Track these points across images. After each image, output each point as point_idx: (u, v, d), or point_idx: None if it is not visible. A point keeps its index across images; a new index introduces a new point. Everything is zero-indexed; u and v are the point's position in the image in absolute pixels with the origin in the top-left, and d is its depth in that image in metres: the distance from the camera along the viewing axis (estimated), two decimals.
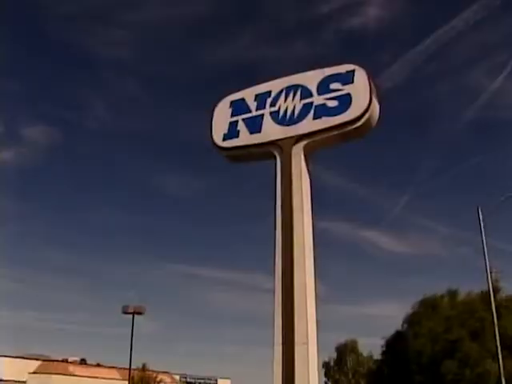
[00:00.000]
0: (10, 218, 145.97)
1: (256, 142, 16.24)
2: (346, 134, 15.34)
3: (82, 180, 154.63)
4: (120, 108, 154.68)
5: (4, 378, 67.88)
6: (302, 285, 15.13)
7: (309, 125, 15.45)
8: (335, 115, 15.14)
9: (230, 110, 16.99)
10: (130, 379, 49.03)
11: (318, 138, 15.46)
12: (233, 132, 16.64)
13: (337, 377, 71.91)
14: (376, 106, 15.42)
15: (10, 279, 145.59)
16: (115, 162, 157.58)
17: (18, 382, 69.63)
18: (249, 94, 16.95)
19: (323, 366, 71.07)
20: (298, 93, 16.03)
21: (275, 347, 15.61)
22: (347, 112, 15.08)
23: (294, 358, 15.17)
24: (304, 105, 15.76)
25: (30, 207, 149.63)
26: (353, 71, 15.49)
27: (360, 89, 15.23)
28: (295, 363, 15.14)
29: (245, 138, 16.45)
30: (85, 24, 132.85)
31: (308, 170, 15.87)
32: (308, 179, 15.83)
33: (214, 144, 16.98)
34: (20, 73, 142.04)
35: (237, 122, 16.67)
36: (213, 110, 17.38)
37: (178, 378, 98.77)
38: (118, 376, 75.38)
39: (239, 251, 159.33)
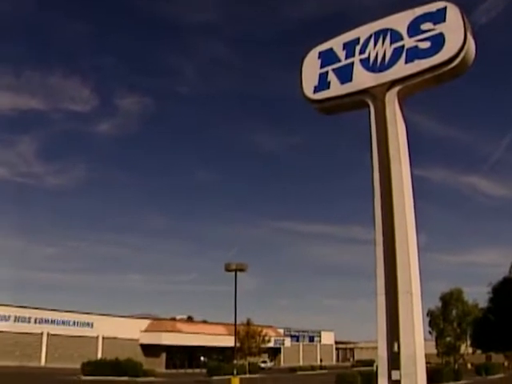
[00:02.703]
0: (111, 186, 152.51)
1: (348, 91, 15.87)
2: (441, 76, 14.67)
3: (176, 145, 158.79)
4: (209, 71, 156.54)
5: (119, 336, 72.03)
6: (403, 234, 14.89)
7: (401, 69, 14.90)
8: (428, 57, 14.45)
9: (318, 62, 16.65)
10: (236, 334, 50.55)
11: (411, 82, 14.89)
12: (323, 83, 16.33)
13: (441, 326, 70.84)
14: (471, 43, 14.57)
15: (116, 245, 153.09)
16: (207, 125, 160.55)
17: (132, 339, 73.65)
18: (337, 43, 16.51)
19: (428, 315, 70.20)
20: (388, 37, 15.42)
21: (378, 297, 15.54)
22: (441, 53, 14.36)
23: (397, 307, 15.06)
24: (395, 49, 15.16)
25: (128, 175, 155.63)
26: (444, 9, 14.66)
27: (453, 27, 14.41)
28: (399, 313, 15.04)
29: (336, 88, 16.11)
30: None
31: (403, 116, 15.40)
32: (403, 126, 15.38)
33: (306, 97, 16.77)
34: (111, 46, 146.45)
35: (327, 72, 16.33)
36: (301, 63, 17.10)
37: (282, 331, 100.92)
38: (224, 331, 77.91)
39: (336, 204, 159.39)
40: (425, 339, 16.93)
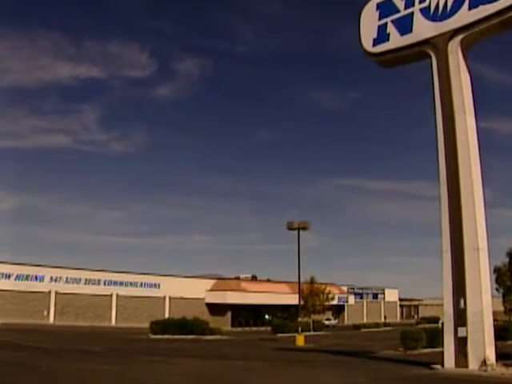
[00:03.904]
0: (173, 149, 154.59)
1: (408, 43, 15.33)
2: (508, 21, 13.94)
3: (236, 106, 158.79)
4: (267, 29, 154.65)
5: (185, 296, 73.81)
6: (469, 190, 14.48)
7: (464, 17, 14.24)
8: (494, 1, 13.72)
9: (377, 13, 16.10)
10: (300, 292, 50.89)
11: (475, 29, 14.21)
12: (383, 36, 15.80)
13: (509, 283, 69.35)
14: None
15: (180, 207, 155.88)
16: (267, 84, 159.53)
17: (198, 299, 75.35)
18: None
19: (494, 272, 68.77)
20: None
21: (444, 254, 15.25)
22: None
23: (464, 264, 14.77)
24: None
25: (189, 138, 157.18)
26: None
27: None
28: (466, 269, 14.76)
29: (396, 40, 15.59)
30: None
31: (467, 66, 14.78)
32: (468, 77, 14.78)
33: (364, 51, 16.31)
34: (167, 10, 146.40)
35: (386, 24, 15.77)
36: (359, 16, 16.57)
37: (345, 289, 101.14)
38: (287, 290, 78.59)
39: (399, 160, 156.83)
40: (492, 296, 16.59)
